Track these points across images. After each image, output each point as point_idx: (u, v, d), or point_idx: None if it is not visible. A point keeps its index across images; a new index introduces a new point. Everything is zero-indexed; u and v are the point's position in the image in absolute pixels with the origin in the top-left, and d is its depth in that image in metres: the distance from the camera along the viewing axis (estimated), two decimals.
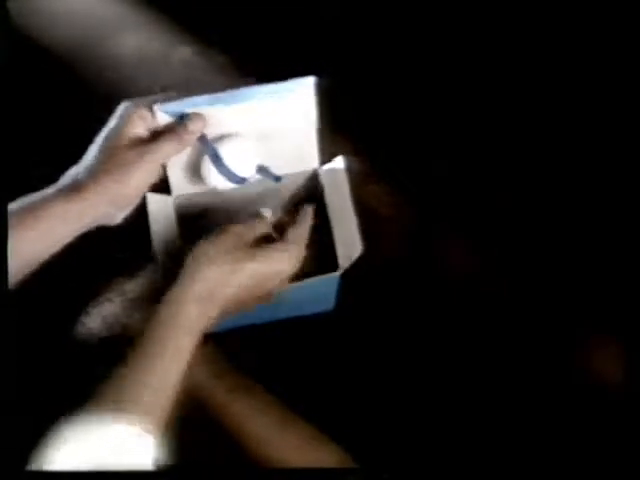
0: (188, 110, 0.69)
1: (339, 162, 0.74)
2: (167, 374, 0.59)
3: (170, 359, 0.60)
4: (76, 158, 0.70)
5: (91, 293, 0.80)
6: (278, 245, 0.66)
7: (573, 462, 0.71)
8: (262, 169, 0.72)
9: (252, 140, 0.71)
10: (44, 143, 0.89)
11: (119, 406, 0.56)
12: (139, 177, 0.65)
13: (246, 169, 0.71)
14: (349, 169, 0.74)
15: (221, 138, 0.70)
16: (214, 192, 0.72)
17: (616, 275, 0.79)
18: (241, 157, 0.70)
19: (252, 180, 0.72)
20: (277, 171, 0.73)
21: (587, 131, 0.88)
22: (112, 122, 0.67)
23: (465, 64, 0.93)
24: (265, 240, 0.67)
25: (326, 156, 0.76)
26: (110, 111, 0.71)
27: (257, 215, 0.70)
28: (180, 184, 0.73)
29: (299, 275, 0.68)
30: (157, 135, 0.67)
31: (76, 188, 0.64)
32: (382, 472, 0.68)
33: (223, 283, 0.62)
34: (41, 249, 0.64)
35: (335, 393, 0.74)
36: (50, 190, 0.65)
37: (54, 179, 0.80)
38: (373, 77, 0.94)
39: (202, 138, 0.69)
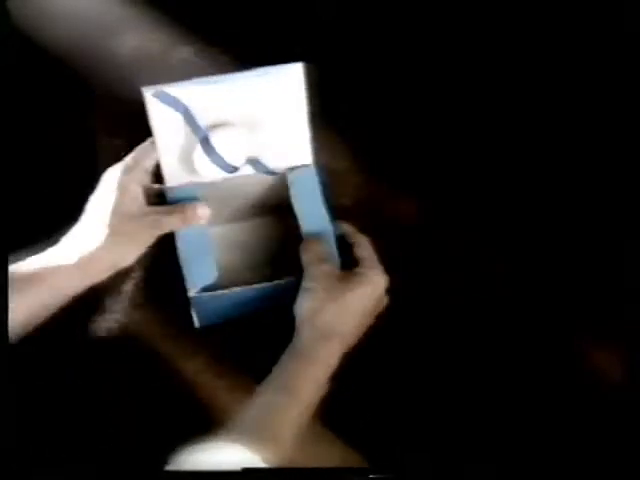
0: (180, 94, 0.69)
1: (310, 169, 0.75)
2: (305, 409, 0.62)
3: (309, 394, 0.63)
4: (75, 158, 0.70)
5: (94, 293, 0.80)
6: (362, 268, 0.68)
7: (573, 462, 0.71)
8: (255, 162, 0.72)
9: (243, 129, 0.71)
10: (44, 143, 0.89)
11: (259, 438, 0.59)
12: (142, 248, 0.70)
13: (237, 158, 0.71)
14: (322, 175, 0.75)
15: (212, 126, 0.70)
16: (207, 184, 0.73)
17: (616, 275, 0.79)
18: (232, 145, 0.71)
19: (244, 170, 0.73)
20: (270, 165, 0.73)
21: (588, 128, 0.88)
22: (105, 190, 0.70)
23: (461, 59, 0.93)
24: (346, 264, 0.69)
25: (321, 152, 0.76)
26: (110, 111, 0.71)
27: (309, 240, 0.71)
28: (173, 173, 0.73)
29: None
30: (163, 208, 0.72)
31: (82, 266, 0.67)
32: (389, 471, 0.68)
33: (335, 325, 0.65)
34: (40, 313, 0.67)
35: (338, 391, 0.74)
36: (53, 263, 0.67)
37: (54, 179, 0.80)
38: (371, 75, 0.94)
39: (192, 122, 0.70)
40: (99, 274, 0.69)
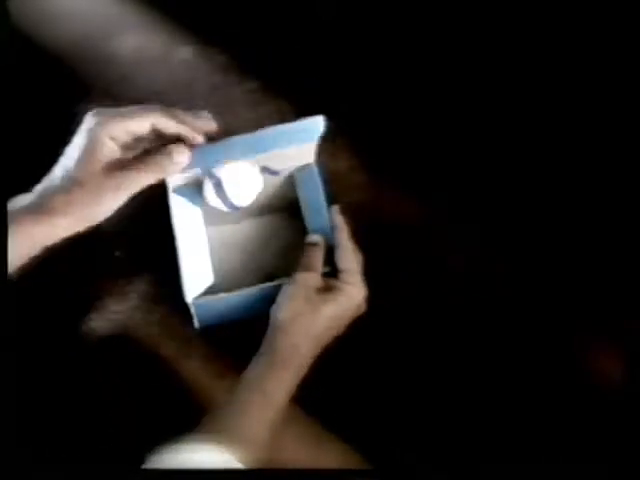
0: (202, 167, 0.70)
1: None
2: (277, 411, 0.64)
3: (280, 396, 0.65)
4: None
5: (94, 293, 0.80)
6: (340, 281, 0.69)
7: (573, 462, 0.71)
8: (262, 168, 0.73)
9: (255, 168, 0.72)
10: (43, 143, 0.89)
11: (233, 437, 0.61)
12: (112, 205, 0.65)
13: (245, 198, 0.72)
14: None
15: (225, 163, 0.71)
16: None
17: (616, 275, 0.79)
18: (242, 186, 0.72)
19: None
20: (274, 167, 0.75)
21: (588, 128, 0.88)
22: (80, 138, 0.65)
23: (461, 59, 0.93)
24: (328, 273, 0.71)
25: (322, 152, 0.76)
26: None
27: (312, 244, 0.72)
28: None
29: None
30: (136, 161, 0.66)
31: (45, 211, 0.63)
32: (390, 472, 0.69)
33: (307, 333, 0.67)
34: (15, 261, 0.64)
35: (338, 391, 0.74)
36: (18, 208, 0.64)
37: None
38: (372, 75, 0.94)
39: (205, 167, 0.70)
40: (70, 227, 0.65)
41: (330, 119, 0.73)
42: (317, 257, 0.71)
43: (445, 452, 0.71)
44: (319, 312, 0.68)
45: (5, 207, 0.64)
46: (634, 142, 0.85)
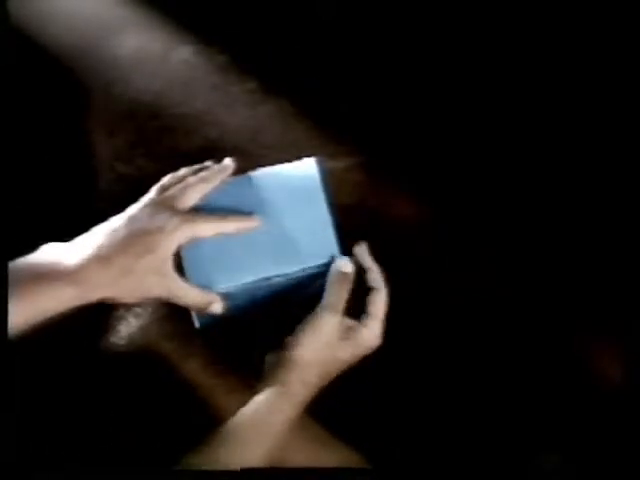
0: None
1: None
2: (275, 445, 0.65)
3: (282, 430, 0.65)
4: (74, 158, 0.70)
5: (114, 307, 0.80)
6: (362, 325, 0.68)
7: (573, 462, 0.71)
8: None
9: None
10: (43, 143, 0.89)
11: (222, 462, 0.62)
12: (155, 295, 0.67)
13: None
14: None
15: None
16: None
17: (616, 275, 0.80)
18: None
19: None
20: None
21: (587, 129, 0.88)
22: (147, 228, 0.65)
23: (461, 59, 0.93)
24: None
25: (322, 151, 0.76)
26: (110, 111, 0.71)
27: (341, 274, 0.69)
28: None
29: None
30: (183, 289, 0.67)
31: (83, 281, 0.63)
32: (391, 472, 0.69)
33: (320, 374, 0.67)
34: (40, 315, 0.64)
35: (339, 391, 0.74)
36: (51, 263, 0.64)
37: (53, 179, 0.80)
38: (372, 74, 0.94)
39: None
40: (94, 298, 0.65)
41: (330, 119, 0.73)
42: (344, 294, 0.68)
43: (444, 452, 0.72)
44: (336, 357, 0.67)
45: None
46: (633, 143, 0.85)
